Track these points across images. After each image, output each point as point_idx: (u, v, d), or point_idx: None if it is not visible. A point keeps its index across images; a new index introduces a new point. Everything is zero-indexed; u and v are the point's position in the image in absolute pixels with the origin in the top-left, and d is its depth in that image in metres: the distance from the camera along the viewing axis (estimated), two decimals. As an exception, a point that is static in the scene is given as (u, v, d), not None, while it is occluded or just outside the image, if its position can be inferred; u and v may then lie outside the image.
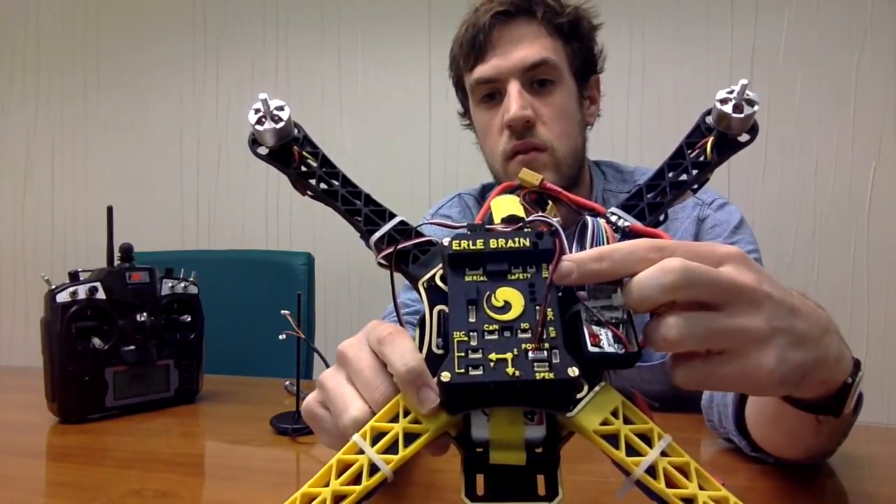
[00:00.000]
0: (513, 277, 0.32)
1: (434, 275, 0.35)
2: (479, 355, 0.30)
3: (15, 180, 2.09)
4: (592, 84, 0.89)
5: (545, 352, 0.29)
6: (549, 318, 0.30)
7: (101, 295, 0.77)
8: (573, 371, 0.29)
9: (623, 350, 0.31)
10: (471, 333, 0.30)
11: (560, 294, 0.33)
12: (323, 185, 0.40)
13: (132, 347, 0.79)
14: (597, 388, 0.31)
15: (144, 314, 0.80)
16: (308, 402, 0.40)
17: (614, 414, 0.30)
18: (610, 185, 0.90)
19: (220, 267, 1.34)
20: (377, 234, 0.38)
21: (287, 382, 0.90)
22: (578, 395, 0.31)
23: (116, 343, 0.78)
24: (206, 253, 1.68)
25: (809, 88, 1.47)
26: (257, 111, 0.38)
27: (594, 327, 0.31)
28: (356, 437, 0.31)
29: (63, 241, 2.05)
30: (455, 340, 0.30)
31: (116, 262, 0.81)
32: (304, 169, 0.40)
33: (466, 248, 0.33)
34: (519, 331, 0.30)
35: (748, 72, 1.49)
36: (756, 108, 0.37)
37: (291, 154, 0.39)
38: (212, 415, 0.82)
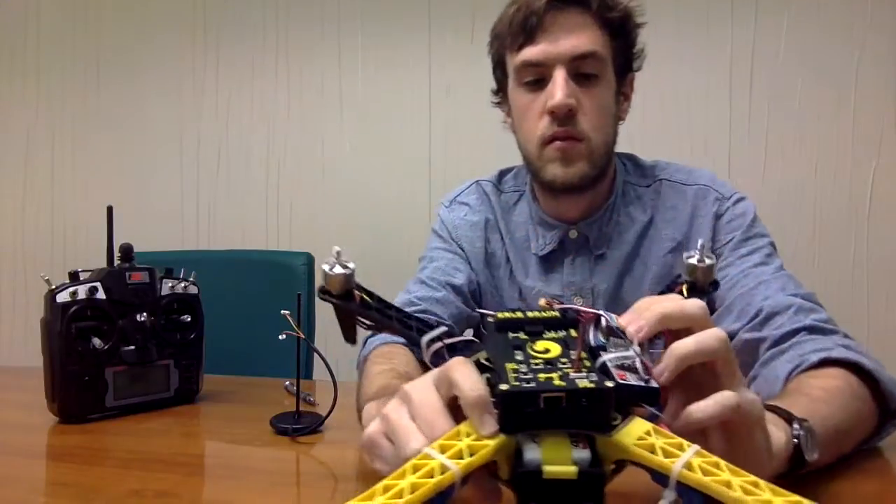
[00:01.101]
0: (548, 336, 0.41)
1: (479, 357, 0.42)
2: (529, 376, 0.35)
3: (15, 180, 2.09)
4: (629, 81, 0.89)
5: (584, 371, 0.36)
6: (582, 357, 0.37)
7: (101, 295, 0.77)
8: (610, 383, 0.34)
9: (647, 380, 0.38)
10: (520, 364, 0.37)
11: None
12: (379, 316, 0.47)
13: (132, 347, 0.79)
14: (629, 419, 0.36)
15: (144, 314, 0.80)
16: (371, 432, 0.44)
17: (647, 434, 0.35)
18: (630, 177, 0.90)
19: (220, 267, 1.33)
20: (428, 336, 0.45)
21: (287, 382, 0.90)
22: (614, 423, 0.35)
23: (116, 343, 0.78)
24: (206, 253, 1.68)
25: (809, 88, 1.46)
26: (329, 261, 0.45)
27: (620, 371, 0.38)
28: (427, 449, 0.35)
29: (63, 241, 2.05)
30: (507, 368, 0.36)
31: (116, 262, 0.81)
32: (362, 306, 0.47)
33: (509, 317, 0.42)
34: (559, 363, 0.37)
35: (748, 71, 1.49)
36: (713, 261, 0.49)
37: (353, 296, 0.46)
38: (212, 415, 0.82)
